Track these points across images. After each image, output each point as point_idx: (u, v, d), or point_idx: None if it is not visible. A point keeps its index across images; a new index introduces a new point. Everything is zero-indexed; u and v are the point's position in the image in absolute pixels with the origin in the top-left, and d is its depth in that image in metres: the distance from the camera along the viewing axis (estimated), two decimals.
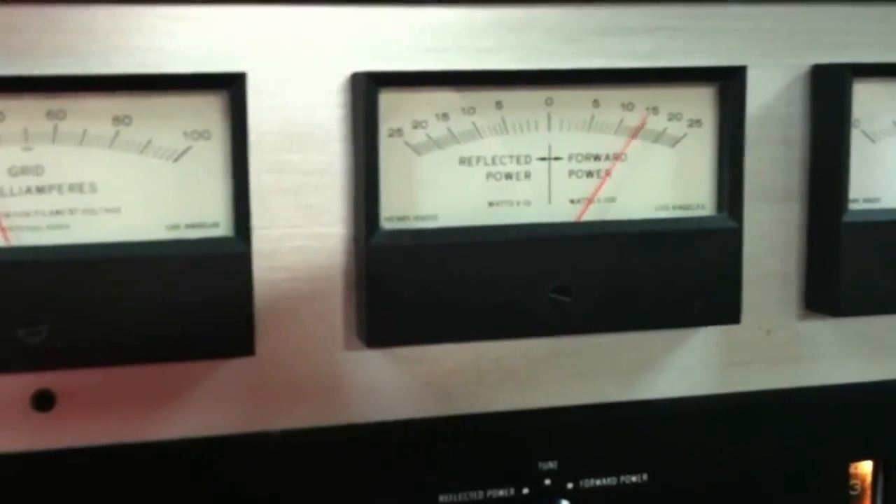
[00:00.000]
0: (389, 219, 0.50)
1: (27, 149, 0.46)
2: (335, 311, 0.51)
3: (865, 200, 0.55)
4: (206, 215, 0.48)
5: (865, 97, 0.54)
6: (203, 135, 0.48)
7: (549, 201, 0.52)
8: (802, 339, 0.57)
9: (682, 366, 0.55)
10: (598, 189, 0.52)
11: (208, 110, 0.47)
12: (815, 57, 0.54)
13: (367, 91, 0.49)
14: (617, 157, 0.52)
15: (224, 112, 0.48)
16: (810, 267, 0.56)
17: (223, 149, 0.48)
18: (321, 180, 0.50)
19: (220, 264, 0.48)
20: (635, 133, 0.52)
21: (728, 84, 0.52)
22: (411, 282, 0.50)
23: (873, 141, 0.55)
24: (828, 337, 0.57)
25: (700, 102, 0.53)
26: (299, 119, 0.49)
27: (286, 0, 0.48)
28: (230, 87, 0.47)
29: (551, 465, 0.54)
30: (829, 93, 0.54)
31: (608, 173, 0.52)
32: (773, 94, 0.54)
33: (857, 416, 0.58)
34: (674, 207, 0.53)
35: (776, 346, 0.57)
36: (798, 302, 0.56)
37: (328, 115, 0.49)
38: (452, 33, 0.50)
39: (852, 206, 0.54)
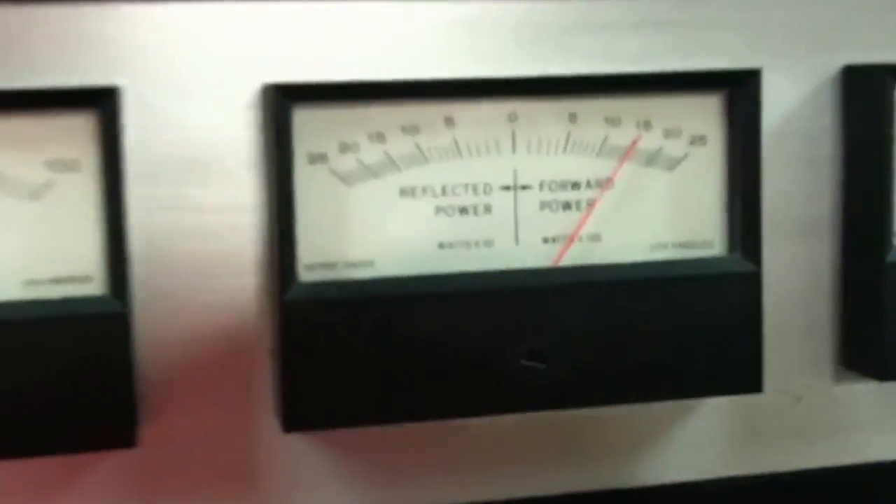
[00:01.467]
0: (311, 267, 0.40)
1: None
2: (245, 387, 0.41)
3: None
4: (75, 267, 0.38)
5: None
6: (69, 165, 0.38)
7: (517, 242, 0.42)
8: (839, 406, 0.47)
9: (692, 443, 0.46)
10: (578, 226, 0.43)
11: (75, 134, 0.38)
12: (845, 56, 0.45)
13: (278, 107, 0.39)
14: (601, 184, 0.43)
15: (95, 136, 0.38)
16: (846, 317, 0.46)
17: (95, 183, 0.38)
18: (227, 219, 0.40)
19: (92, 329, 0.38)
20: (624, 154, 0.43)
21: (739, 91, 0.43)
22: (340, 347, 0.40)
23: None
24: (870, 403, 0.48)
25: (704, 115, 0.43)
26: (198, 143, 0.40)
27: None
28: (100, 104, 0.37)
29: None
30: (864, 100, 0.45)
31: (591, 205, 0.43)
32: (795, 102, 0.45)
33: None
34: (674, 246, 0.44)
35: (807, 415, 0.47)
36: (832, 360, 0.47)
37: (235, 137, 0.40)
38: (390, 34, 0.41)
39: None
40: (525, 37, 0.42)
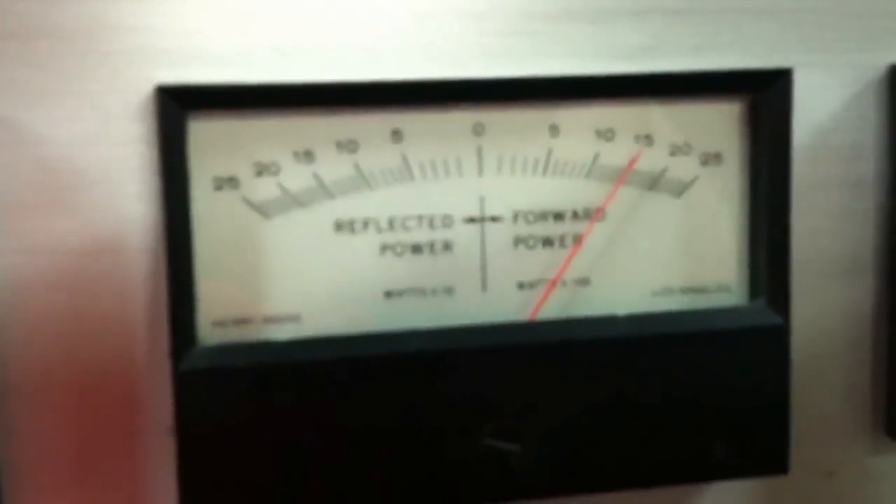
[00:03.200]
0: (220, 324, 0.32)
1: None
2: (141, 471, 0.32)
3: None
4: None
5: None
6: None
7: (484, 288, 0.35)
8: (877, 482, 0.40)
9: None
10: (562, 268, 0.35)
11: None
12: (893, 53, 0.38)
13: (171, 116, 0.31)
14: (590, 214, 0.35)
15: None
16: (890, 376, 0.39)
17: None
18: (113, 262, 0.32)
19: None
20: (619, 177, 0.35)
21: (763, 97, 0.36)
22: (251, 428, 0.32)
23: None
24: None
25: (720, 127, 0.37)
26: (71, 163, 0.32)
27: None
28: None
29: None
30: None
31: (578, 241, 0.35)
32: (832, 110, 0.38)
33: None
34: (683, 292, 0.37)
35: (842, 494, 0.40)
36: (872, 429, 0.40)
37: (117, 156, 0.32)
38: (319, 25, 0.33)
39: None
40: (494, 28, 0.34)
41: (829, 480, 0.40)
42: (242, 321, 0.33)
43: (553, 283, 0.35)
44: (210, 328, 0.32)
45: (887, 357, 0.39)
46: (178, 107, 0.31)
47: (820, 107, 0.38)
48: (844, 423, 0.40)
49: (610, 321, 0.35)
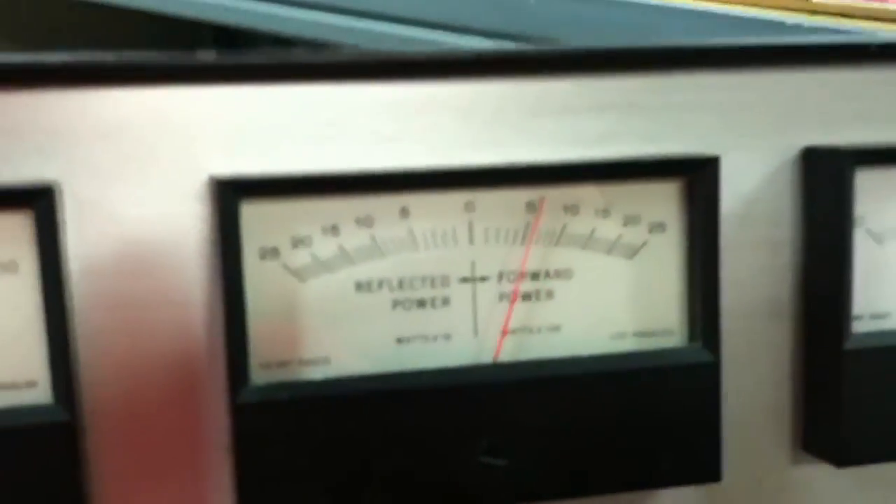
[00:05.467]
0: (266, 365, 0.39)
1: None
2: (204, 485, 0.39)
3: (872, 317, 0.44)
4: (18, 374, 0.36)
5: (870, 188, 0.43)
6: (7, 267, 0.36)
7: (476, 334, 0.41)
8: (799, 488, 0.46)
9: None
10: (537, 316, 0.41)
11: (10, 235, 0.36)
12: (805, 137, 0.44)
13: (225, 201, 0.37)
14: (560, 274, 0.41)
15: (31, 235, 0.36)
16: (807, 401, 0.45)
17: (33, 284, 0.36)
18: (175, 318, 0.38)
19: (39, 439, 0.36)
20: (583, 244, 0.41)
21: (697, 178, 0.42)
22: (295, 449, 0.38)
23: (880, 242, 0.44)
24: (831, 485, 0.46)
25: (663, 201, 0.42)
26: (139, 240, 0.38)
27: (111, 79, 0.36)
28: (36, 203, 0.35)
29: None
30: (824, 183, 0.43)
31: (549, 295, 0.41)
32: (754, 184, 0.44)
33: None
34: (635, 335, 0.42)
35: (768, 498, 0.46)
36: (793, 443, 0.45)
37: (180, 232, 0.38)
38: (341, 122, 0.39)
39: (857, 327, 0.43)
40: (480, 121, 0.40)
41: (759, 487, 0.45)
42: (283, 363, 0.39)
43: (531, 330, 0.42)
44: (259, 369, 0.38)
45: (802, 385, 0.44)
46: (231, 193, 0.37)
47: (746, 181, 0.43)
48: (770, 440, 0.45)
49: (576, 361, 0.41)
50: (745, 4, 0.82)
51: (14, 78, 0.35)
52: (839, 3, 0.80)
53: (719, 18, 0.79)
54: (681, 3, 0.84)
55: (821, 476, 0.46)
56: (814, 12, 0.81)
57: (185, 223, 0.38)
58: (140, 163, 0.37)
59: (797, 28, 0.78)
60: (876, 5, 0.78)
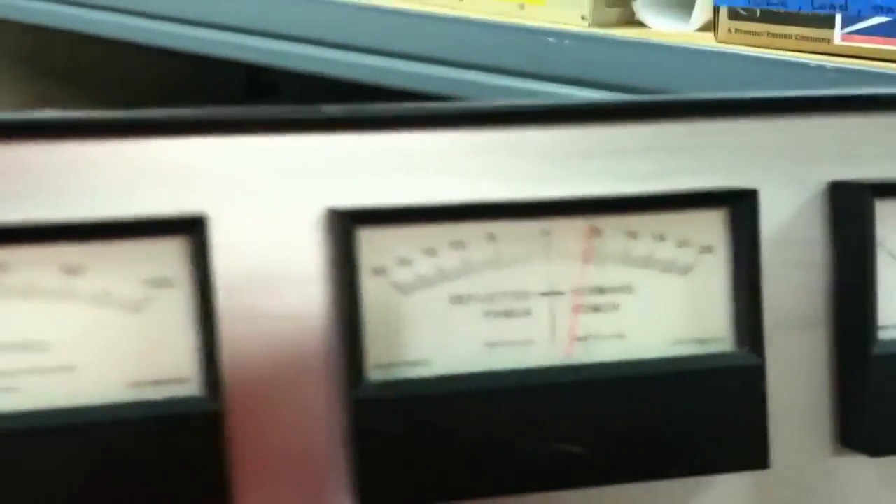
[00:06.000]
0: (377, 366, 0.46)
1: None
2: (322, 473, 0.46)
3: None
4: (173, 371, 0.43)
5: (889, 215, 0.50)
6: (165, 283, 0.43)
7: (553, 340, 0.47)
8: (836, 479, 0.52)
9: None
10: (605, 326, 0.48)
11: (169, 256, 0.43)
12: (832, 173, 0.51)
13: (343, 229, 0.44)
14: (624, 289, 0.48)
15: (186, 257, 0.43)
16: (841, 400, 0.51)
17: (188, 298, 0.43)
18: (300, 327, 0.45)
19: (190, 427, 0.43)
20: (643, 263, 0.48)
21: (739, 208, 0.48)
22: (404, 437, 0.45)
23: None
24: (866, 474, 0.52)
25: (710, 228, 0.49)
26: (272, 261, 0.45)
27: (252, 129, 0.44)
28: (191, 230, 0.43)
29: None
30: (848, 212, 0.50)
31: (616, 307, 0.48)
32: (789, 214, 0.50)
33: None
34: (690, 342, 0.49)
35: (809, 487, 0.52)
36: (831, 437, 0.51)
37: (303, 254, 0.45)
38: (440, 162, 0.47)
39: (882, 335, 0.50)
40: (553, 161, 0.47)
41: (800, 476, 0.51)
42: (392, 364, 0.45)
43: (599, 338, 0.48)
44: (372, 369, 0.45)
45: (836, 387, 0.51)
46: (349, 222, 0.44)
47: (782, 211, 0.49)
48: (811, 435, 0.50)
49: (640, 364, 0.47)
50: (769, 48, 0.86)
51: (182, 130, 0.43)
52: (860, 45, 0.84)
53: (745, 60, 0.84)
54: (708, 45, 0.90)
55: (857, 466, 0.51)
56: (836, 54, 0.86)
57: (307, 247, 0.45)
58: (271, 198, 0.45)
59: (820, 69, 0.83)
60: None
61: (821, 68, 0.82)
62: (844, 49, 0.84)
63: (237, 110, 0.44)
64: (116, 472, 0.42)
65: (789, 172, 0.50)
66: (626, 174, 0.48)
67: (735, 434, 0.48)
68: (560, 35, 0.99)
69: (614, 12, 1.05)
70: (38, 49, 2.02)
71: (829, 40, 0.85)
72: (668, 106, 0.49)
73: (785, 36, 0.87)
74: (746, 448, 0.48)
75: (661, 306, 0.48)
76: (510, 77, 1.02)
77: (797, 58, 0.85)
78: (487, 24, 1.07)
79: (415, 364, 0.46)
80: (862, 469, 0.52)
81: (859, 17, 0.84)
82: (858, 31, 0.85)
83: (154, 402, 0.43)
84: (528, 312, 0.47)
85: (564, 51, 0.99)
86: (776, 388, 0.50)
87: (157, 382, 0.43)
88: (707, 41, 0.93)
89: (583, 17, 1.03)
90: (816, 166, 0.50)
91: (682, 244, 0.48)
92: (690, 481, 0.50)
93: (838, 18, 0.85)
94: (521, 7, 1.06)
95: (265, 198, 0.45)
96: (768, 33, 0.89)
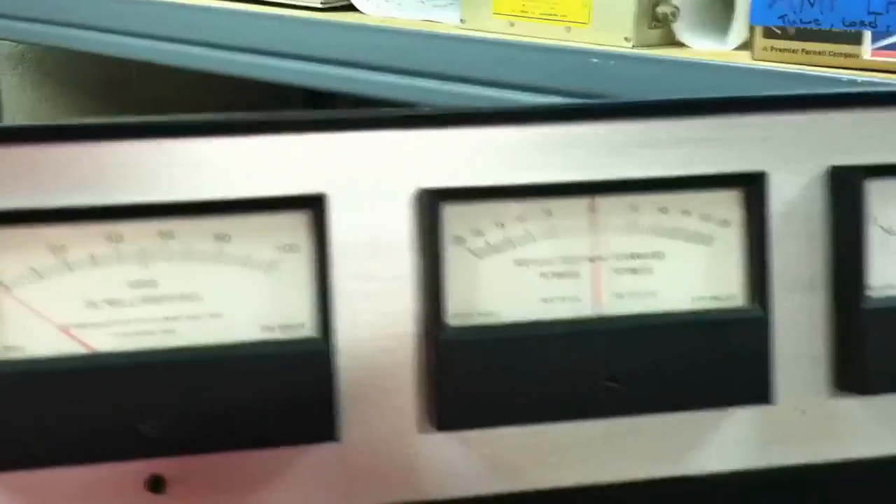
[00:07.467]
0: (455, 316, 0.56)
1: (144, 265, 0.53)
2: (411, 400, 0.57)
3: (885, 287, 0.61)
4: (295, 318, 0.55)
5: (880, 194, 0.60)
6: (292, 248, 0.55)
7: (597, 296, 0.58)
8: (835, 416, 0.61)
9: (726, 443, 0.61)
10: (640, 284, 0.59)
11: (295, 227, 0.55)
12: (832, 159, 0.60)
13: (431, 205, 0.56)
14: (656, 255, 0.58)
15: (309, 228, 0.55)
16: (838, 350, 0.61)
17: (309, 260, 0.55)
18: (396, 285, 0.56)
19: (305, 360, 0.55)
20: (672, 234, 0.59)
21: (751, 188, 0.59)
22: (476, 372, 0.56)
23: (891, 233, 0.61)
24: (859, 414, 0.61)
25: (727, 205, 0.59)
26: (375, 231, 0.56)
27: (359, 127, 0.56)
28: (313, 206, 0.54)
29: None
30: (844, 191, 0.60)
31: (649, 270, 0.58)
32: (795, 194, 0.60)
33: (890, 487, 0.62)
34: (710, 299, 0.59)
35: (811, 424, 0.61)
36: (829, 383, 0.61)
37: (400, 227, 0.56)
38: (507, 151, 0.57)
39: (872, 294, 0.60)
40: (599, 151, 0.58)
41: (804, 415, 0.60)
42: (468, 314, 0.56)
43: (635, 295, 0.59)
44: (451, 318, 0.55)
45: (834, 338, 0.60)
46: (437, 199, 0.55)
47: (789, 191, 0.58)
48: (812, 380, 0.59)
49: (670, 315, 0.57)
50: (803, 64, 0.92)
51: (305, 128, 0.55)
52: (888, 60, 0.90)
53: (780, 76, 0.90)
54: (745, 63, 0.96)
55: (851, 406, 0.61)
56: (866, 69, 0.89)
57: (402, 220, 0.56)
58: (374, 181, 0.56)
59: (851, 83, 0.88)
60: None
61: (851, 82, 0.87)
62: (874, 64, 0.88)
63: (348, 112, 0.55)
64: (251, 395, 0.54)
65: (797, 160, 0.60)
66: (661, 161, 0.59)
67: (745, 374, 0.59)
68: (605, 56, 1.05)
69: (656, 33, 1.08)
70: (114, 82, 2.14)
71: (859, 56, 0.89)
72: (695, 104, 0.60)
73: (818, 53, 0.92)
74: (754, 386, 0.59)
75: (686, 269, 0.58)
76: (559, 96, 1.08)
77: (829, 73, 0.89)
78: (536, 48, 1.13)
79: (486, 314, 0.57)
80: (855, 408, 0.62)
81: (888, 34, 0.88)
82: (887, 47, 0.89)
83: (281, 341, 0.55)
84: (576, 274, 0.58)
85: (609, 70, 1.05)
86: (782, 339, 0.59)
87: (284, 327, 0.55)
88: (744, 59, 0.97)
89: (626, 39, 1.08)
90: (819, 154, 0.60)
91: (704, 218, 0.58)
92: (707, 416, 0.60)
93: (867, 35, 0.88)
94: (568, 30, 1.11)
95: (370, 181, 0.56)
96: (802, 50, 0.93)
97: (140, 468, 0.54)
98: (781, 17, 0.94)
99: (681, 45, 1.09)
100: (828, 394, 0.61)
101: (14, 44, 2.13)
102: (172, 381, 0.53)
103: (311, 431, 0.55)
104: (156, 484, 0.54)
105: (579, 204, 0.58)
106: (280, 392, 0.54)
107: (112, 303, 0.53)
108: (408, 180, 0.56)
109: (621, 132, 0.58)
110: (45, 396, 0.52)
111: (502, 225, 0.57)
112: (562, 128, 0.58)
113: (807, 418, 0.61)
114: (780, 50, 0.95)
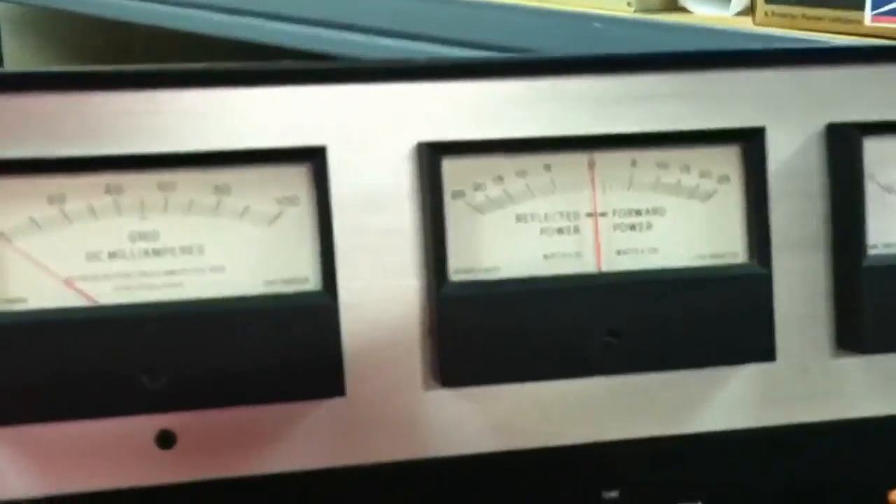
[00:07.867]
0: (457, 271, 0.56)
1: (143, 217, 0.53)
2: (413, 356, 0.57)
3: (884, 245, 0.61)
4: (298, 272, 0.55)
5: (877, 152, 0.60)
6: (292, 201, 0.55)
7: (597, 252, 0.58)
8: (836, 375, 0.61)
9: (727, 402, 0.61)
10: (640, 241, 0.59)
11: (296, 179, 0.55)
12: (829, 117, 0.60)
13: (431, 159, 0.56)
14: (656, 211, 0.59)
15: (309, 180, 0.55)
16: (838, 308, 0.61)
17: (310, 213, 0.55)
18: (396, 239, 0.56)
19: (311, 315, 0.54)
20: (672, 190, 0.59)
21: (749, 144, 0.59)
22: (478, 328, 0.56)
23: (889, 191, 0.61)
24: (860, 373, 0.62)
25: (726, 161, 0.59)
26: (375, 185, 0.56)
27: (359, 79, 0.55)
28: (313, 158, 0.54)
29: (614, 493, 0.59)
30: (842, 149, 0.60)
31: (649, 226, 0.58)
32: (792, 151, 0.60)
33: (891, 444, 0.62)
34: (710, 257, 0.59)
35: (812, 382, 0.61)
36: (830, 341, 0.61)
37: (399, 181, 0.56)
38: (505, 105, 0.57)
39: (871, 252, 0.60)
40: (596, 104, 0.57)
41: (804, 374, 0.60)
42: (469, 269, 0.56)
43: (635, 251, 0.58)
44: (453, 273, 0.55)
45: (834, 296, 0.60)
46: (437, 153, 0.55)
47: (788, 148, 0.58)
48: (812, 338, 0.60)
49: (670, 271, 0.57)
50: (804, 30, 0.92)
51: (306, 79, 0.55)
52: (889, 26, 0.88)
53: (781, 42, 0.89)
54: (746, 28, 0.96)
55: (851, 363, 0.61)
56: (867, 35, 0.87)
57: (402, 174, 0.56)
58: (374, 134, 0.56)
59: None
60: None
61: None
62: (874, 30, 0.87)
63: (346, 62, 0.55)
64: (255, 348, 0.54)
65: (795, 116, 0.60)
66: (653, 117, 0.58)
67: (747, 332, 0.58)
68: (607, 20, 1.06)
69: None
70: (117, 47, 2.14)
71: (860, 21, 0.88)
72: (692, 57, 0.60)
73: (819, 18, 0.92)
74: (758, 343, 0.59)
75: (686, 226, 0.59)
76: None
77: (830, 38, 0.89)
78: (538, 11, 1.14)
79: (487, 269, 0.57)
80: (857, 367, 0.62)
81: (888, 0, 0.88)
82: (888, 13, 0.88)
83: (283, 294, 0.54)
84: (577, 230, 0.58)
85: (611, 35, 1.06)
86: (783, 298, 0.59)
87: (286, 280, 0.55)
88: (746, 24, 0.97)
89: (628, 4, 1.08)
90: (817, 111, 0.60)
91: (703, 174, 0.59)
92: (709, 375, 0.60)
93: (868, 1, 0.88)
94: None
95: (370, 134, 0.56)
96: (803, 16, 0.93)
97: (149, 424, 0.54)
98: None
99: (683, 9, 1.10)
100: (829, 353, 0.61)
101: (14, 5, 2.11)
102: (177, 334, 0.53)
103: (318, 387, 0.54)
104: (165, 439, 0.54)
105: (578, 159, 0.58)
106: (286, 347, 0.54)
107: (113, 255, 0.53)
108: (408, 134, 0.56)
109: (614, 85, 0.58)
110: (51, 349, 0.51)
111: (501, 179, 0.57)
112: (558, 81, 0.58)
113: (808, 377, 0.61)
114: (781, 15, 0.95)
